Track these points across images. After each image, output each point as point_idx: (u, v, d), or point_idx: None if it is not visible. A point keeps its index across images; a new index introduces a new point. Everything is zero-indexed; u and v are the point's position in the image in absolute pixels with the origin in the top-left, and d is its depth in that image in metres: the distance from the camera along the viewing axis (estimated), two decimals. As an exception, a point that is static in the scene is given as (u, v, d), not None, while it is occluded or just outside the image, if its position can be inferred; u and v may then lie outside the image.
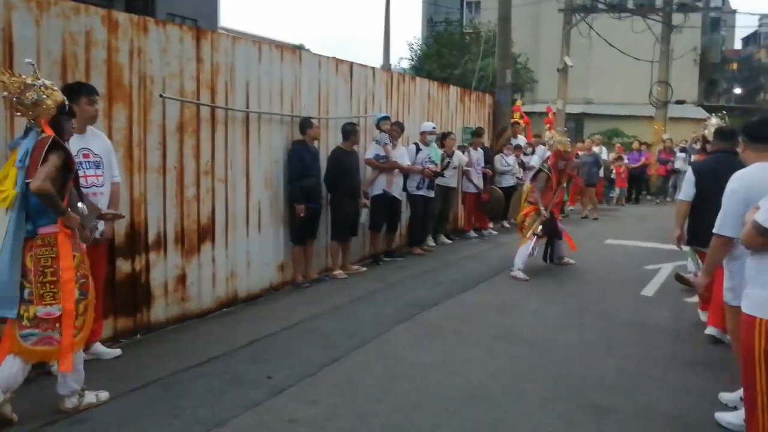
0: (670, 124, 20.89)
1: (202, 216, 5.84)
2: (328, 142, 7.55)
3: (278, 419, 3.82)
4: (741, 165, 3.73)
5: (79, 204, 3.76)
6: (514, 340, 5.38)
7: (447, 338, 5.41)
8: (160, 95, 5.34)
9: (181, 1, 15.36)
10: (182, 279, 5.65)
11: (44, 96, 3.57)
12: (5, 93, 3.55)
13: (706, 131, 6.34)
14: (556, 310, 6.33)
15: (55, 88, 3.70)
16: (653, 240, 10.64)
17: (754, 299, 3.00)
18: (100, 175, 4.49)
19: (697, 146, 15.77)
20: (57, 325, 3.57)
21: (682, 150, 16.92)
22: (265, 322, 5.67)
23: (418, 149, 8.93)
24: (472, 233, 10.75)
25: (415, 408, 4.01)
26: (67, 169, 3.62)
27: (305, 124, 6.91)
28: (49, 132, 3.56)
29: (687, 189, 5.39)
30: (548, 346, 5.24)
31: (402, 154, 8.41)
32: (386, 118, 8.20)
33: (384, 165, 8.12)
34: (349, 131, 7.55)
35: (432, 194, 9.09)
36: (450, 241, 10.08)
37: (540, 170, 8.03)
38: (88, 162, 4.43)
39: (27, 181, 3.46)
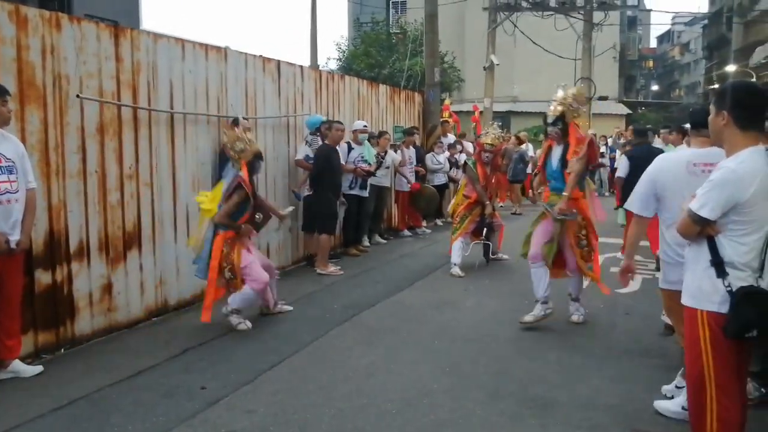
0: (594, 120, 21.64)
1: (128, 222, 5.61)
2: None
3: (214, 431, 3.69)
4: (659, 151, 5.00)
5: (256, 215, 5.67)
6: (453, 338, 5.40)
7: (386, 339, 5.38)
8: (77, 96, 5.08)
9: (100, 2, 14.87)
10: (108, 288, 5.41)
11: (247, 147, 5.49)
12: (224, 139, 5.70)
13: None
14: (493, 305, 6.41)
15: (255, 142, 5.73)
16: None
17: (692, 291, 3.00)
18: (14, 181, 4.23)
19: (621, 141, 16.43)
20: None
21: (605, 145, 17.54)
22: (198, 330, 5.48)
23: (350, 148, 8.87)
24: (406, 232, 10.79)
25: (357, 412, 3.96)
26: (247, 200, 5.47)
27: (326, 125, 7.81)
28: (245, 172, 5.45)
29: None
30: (488, 343, 5.28)
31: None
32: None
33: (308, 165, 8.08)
34: (327, 127, 7.88)
35: (366, 193, 9.04)
36: (385, 241, 10.07)
37: (465, 164, 8.36)
38: (0, 167, 4.16)
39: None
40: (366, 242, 9.58)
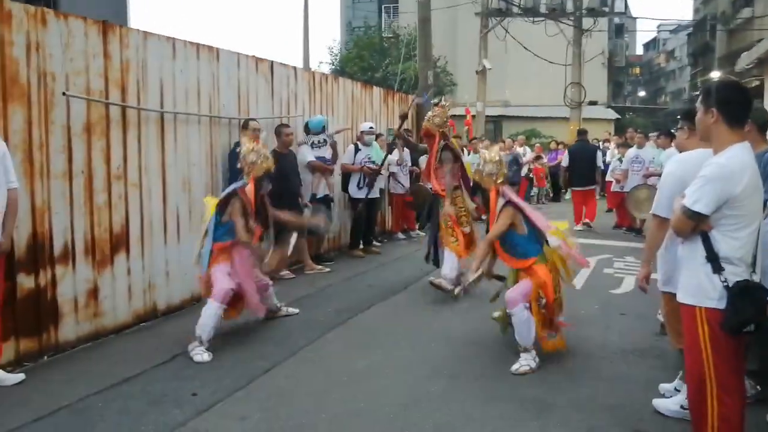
0: (584, 124, 21.58)
1: (115, 224, 5.40)
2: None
3: (206, 439, 3.51)
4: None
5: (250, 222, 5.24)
6: (448, 341, 5.25)
7: (381, 342, 5.21)
8: (63, 93, 4.89)
9: (86, 1, 14.62)
10: (94, 293, 5.19)
11: (259, 162, 5.19)
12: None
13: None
14: (486, 307, 6.22)
15: (270, 158, 5.33)
16: (576, 235, 10.83)
17: (688, 288, 2.98)
18: (-6, 181, 4.03)
19: (611, 145, 16.37)
20: None
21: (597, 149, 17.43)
22: (188, 335, 5.24)
23: (357, 149, 8.86)
24: (400, 235, 10.63)
25: (353, 417, 3.80)
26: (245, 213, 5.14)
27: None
28: (251, 184, 5.17)
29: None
30: (483, 345, 5.13)
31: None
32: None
33: (329, 167, 8.18)
34: (277, 132, 7.40)
35: (376, 194, 9.10)
36: (379, 244, 9.91)
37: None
38: (-20, 166, 3.96)
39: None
40: (376, 243, 9.63)
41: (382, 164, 8.95)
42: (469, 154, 12.21)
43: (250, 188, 5.20)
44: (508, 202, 4.82)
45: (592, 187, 12.23)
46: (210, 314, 4.87)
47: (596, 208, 12.35)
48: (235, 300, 5.16)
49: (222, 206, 5.19)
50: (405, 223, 10.88)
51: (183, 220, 6.17)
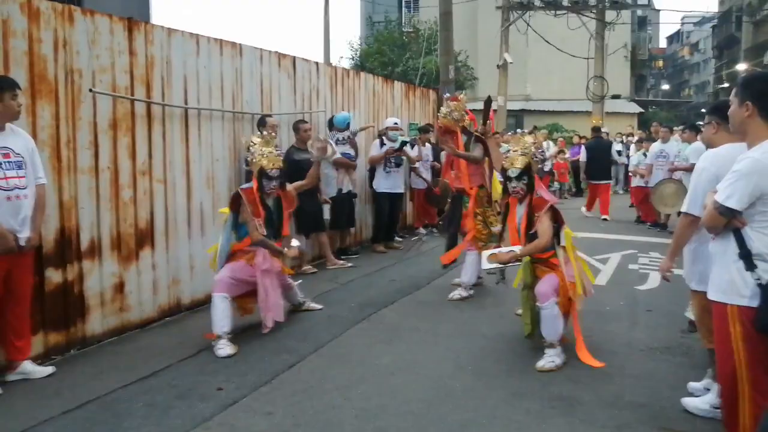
0: (607, 118, 21.36)
1: (140, 219, 5.43)
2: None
3: (232, 434, 3.51)
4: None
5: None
6: (473, 336, 5.21)
7: (406, 337, 5.19)
8: (90, 90, 4.92)
9: (109, 1, 14.77)
10: (120, 287, 5.23)
11: (254, 159, 5.16)
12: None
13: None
14: (511, 303, 6.18)
15: (266, 156, 5.18)
16: (599, 231, 10.79)
17: (719, 285, 2.91)
18: (23, 177, 4.07)
19: (634, 139, 16.20)
20: None
21: (621, 143, 17.28)
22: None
23: (383, 144, 8.89)
24: (422, 230, 10.59)
25: (379, 412, 3.78)
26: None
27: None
28: (254, 183, 5.19)
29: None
30: (508, 340, 5.09)
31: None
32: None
33: (353, 163, 8.31)
34: (295, 128, 7.41)
35: (400, 189, 9.19)
36: (400, 239, 9.89)
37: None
38: (9, 162, 4.01)
39: None
40: (397, 239, 9.64)
41: (401, 147, 8.93)
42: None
43: (253, 185, 5.20)
44: (550, 207, 4.72)
45: (608, 181, 13.43)
46: (213, 307, 4.88)
47: (609, 201, 12.95)
48: (248, 296, 5.19)
49: (234, 206, 5.22)
50: (426, 218, 10.83)
51: (207, 215, 6.19)
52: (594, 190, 13.25)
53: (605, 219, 12.44)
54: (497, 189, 6.19)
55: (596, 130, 14.79)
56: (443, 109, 6.68)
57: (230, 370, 4.44)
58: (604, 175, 13.14)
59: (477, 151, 6.49)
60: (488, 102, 6.93)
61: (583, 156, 13.86)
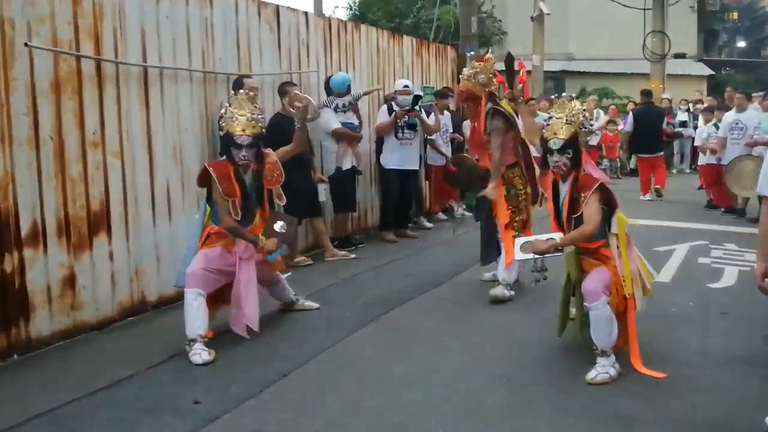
0: (669, 82, 21.35)
1: (93, 200, 5.51)
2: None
3: (214, 455, 3.59)
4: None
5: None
6: (508, 342, 5.28)
7: (424, 343, 5.26)
8: (26, 44, 4.97)
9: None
10: (70, 281, 5.32)
11: (224, 124, 5.17)
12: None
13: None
14: (552, 304, 6.22)
15: (238, 119, 5.12)
16: (661, 218, 10.81)
17: None
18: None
19: (702, 107, 16.23)
20: None
21: (688, 111, 17.31)
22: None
23: (391, 110, 8.99)
24: (441, 215, 10.65)
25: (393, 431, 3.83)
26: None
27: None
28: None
29: None
30: (550, 347, 5.14)
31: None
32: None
33: (358, 134, 8.48)
34: (281, 91, 7.51)
35: (414, 166, 9.29)
36: (430, 225, 10.16)
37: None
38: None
39: None
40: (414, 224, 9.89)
41: (414, 105, 8.98)
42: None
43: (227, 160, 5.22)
44: (600, 186, 4.72)
45: (660, 153, 13.87)
46: (185, 305, 4.93)
47: (666, 175, 13.60)
48: (222, 292, 5.22)
49: (204, 185, 5.29)
50: (446, 200, 10.88)
51: (175, 195, 6.27)
52: (645, 165, 13.53)
53: (658, 191, 13.09)
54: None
55: (646, 94, 14.94)
56: (466, 71, 6.69)
57: (209, 380, 4.51)
58: (656, 146, 13.45)
59: (494, 137, 6.40)
60: (510, 60, 6.92)
61: (629, 125, 14.20)
